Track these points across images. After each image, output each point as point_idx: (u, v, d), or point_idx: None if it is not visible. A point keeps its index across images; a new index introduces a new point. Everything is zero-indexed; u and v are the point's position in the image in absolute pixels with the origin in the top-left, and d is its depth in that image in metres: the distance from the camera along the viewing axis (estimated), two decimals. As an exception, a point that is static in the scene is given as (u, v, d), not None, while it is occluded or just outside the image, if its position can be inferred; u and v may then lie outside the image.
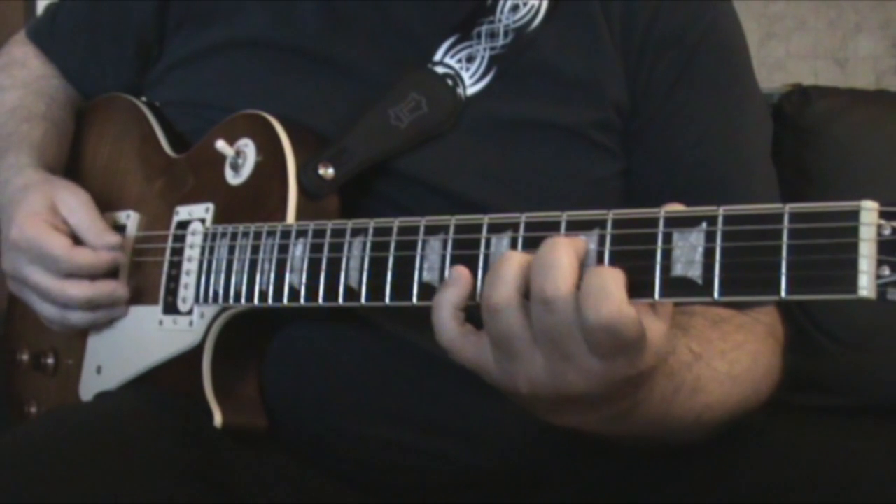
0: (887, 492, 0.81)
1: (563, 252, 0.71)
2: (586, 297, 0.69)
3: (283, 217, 0.95)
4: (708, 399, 0.86)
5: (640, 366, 0.72)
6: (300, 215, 0.95)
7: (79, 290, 1.03)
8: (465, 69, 1.01)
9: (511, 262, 0.73)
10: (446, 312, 0.76)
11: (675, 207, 0.72)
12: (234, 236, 0.96)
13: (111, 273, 1.05)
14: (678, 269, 0.70)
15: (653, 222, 0.71)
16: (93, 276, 1.03)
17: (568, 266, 0.71)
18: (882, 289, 0.62)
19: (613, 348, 0.70)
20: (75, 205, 1.05)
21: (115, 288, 1.04)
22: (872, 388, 1.58)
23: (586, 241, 0.73)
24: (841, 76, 3.36)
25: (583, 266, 0.72)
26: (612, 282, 0.69)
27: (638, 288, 0.71)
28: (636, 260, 0.71)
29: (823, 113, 1.62)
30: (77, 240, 1.04)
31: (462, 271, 0.77)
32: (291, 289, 0.90)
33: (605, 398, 0.75)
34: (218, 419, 0.97)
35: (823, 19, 3.41)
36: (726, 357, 0.90)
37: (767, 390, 0.94)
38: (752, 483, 0.86)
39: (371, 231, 0.86)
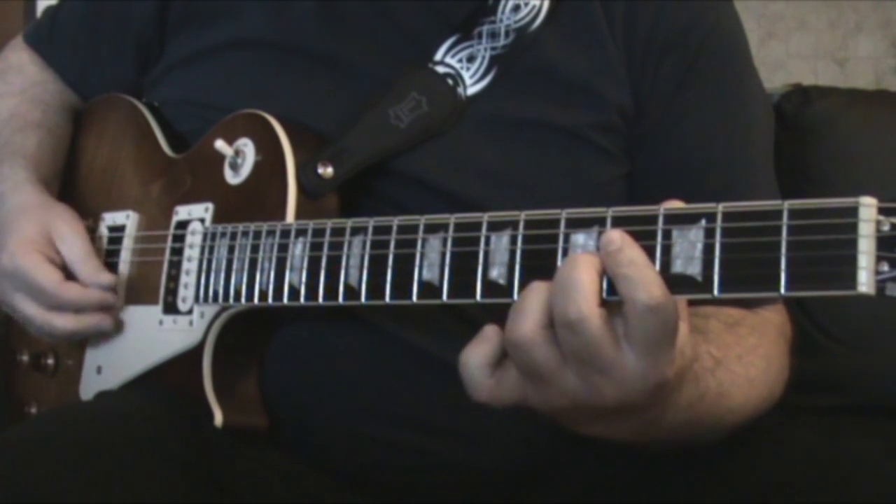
0: (887, 492, 0.81)
1: (582, 270, 0.70)
2: (636, 283, 0.69)
3: (282, 216, 0.95)
4: (730, 403, 0.86)
5: (671, 367, 0.72)
6: (299, 215, 0.95)
7: (63, 322, 1.03)
8: (466, 69, 1.01)
9: (532, 294, 0.73)
10: (478, 372, 0.76)
11: (675, 204, 0.72)
12: (233, 236, 0.97)
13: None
14: (678, 266, 0.70)
15: (652, 219, 0.71)
16: (80, 309, 1.03)
17: (588, 284, 0.70)
18: (881, 285, 0.62)
19: (658, 336, 0.70)
20: (71, 237, 1.05)
21: (99, 321, 1.04)
22: (872, 388, 1.58)
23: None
24: (841, 76, 3.36)
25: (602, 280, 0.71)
26: (650, 267, 0.70)
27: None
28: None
29: (823, 113, 1.62)
30: (68, 272, 1.04)
31: (493, 330, 0.76)
32: (291, 288, 0.91)
33: (638, 406, 0.74)
34: (218, 418, 0.97)
35: (823, 19, 3.41)
36: (743, 360, 0.90)
37: (779, 391, 0.94)
38: (752, 483, 0.86)
39: (371, 230, 0.86)
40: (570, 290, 0.70)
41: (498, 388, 0.76)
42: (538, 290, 0.73)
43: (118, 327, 1.06)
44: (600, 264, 0.71)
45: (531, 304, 0.72)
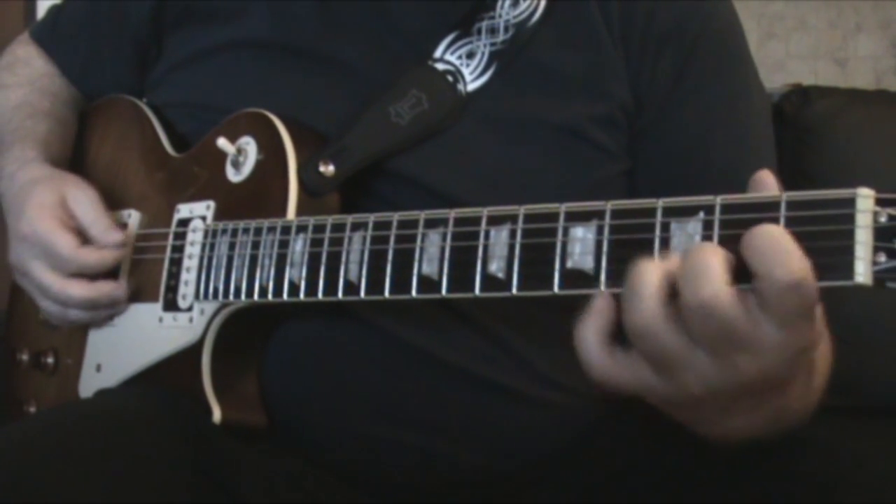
0: (887, 492, 0.81)
1: (713, 255, 0.68)
2: (772, 257, 0.65)
3: (283, 215, 0.95)
4: (821, 380, 0.84)
5: (813, 334, 0.69)
6: (301, 213, 0.95)
7: (79, 290, 1.03)
8: (466, 65, 1.01)
9: (647, 276, 0.69)
10: (592, 349, 0.72)
11: None
12: (234, 233, 0.97)
13: (112, 272, 1.06)
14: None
15: (651, 212, 0.71)
16: (94, 275, 1.04)
17: (719, 267, 0.67)
18: (878, 275, 0.62)
19: (800, 309, 0.66)
20: (83, 199, 1.06)
21: (114, 288, 1.04)
22: (873, 388, 1.58)
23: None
24: (841, 76, 3.37)
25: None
26: (789, 241, 0.66)
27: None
28: (634, 249, 0.71)
29: (823, 113, 1.63)
30: (82, 236, 1.05)
31: (605, 302, 0.72)
32: (291, 284, 0.91)
33: (777, 383, 0.71)
34: (217, 415, 0.97)
35: (823, 19, 3.41)
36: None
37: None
38: (753, 482, 0.86)
39: (371, 225, 0.87)
40: (700, 273, 0.67)
41: (615, 368, 0.72)
42: (650, 270, 0.69)
43: (118, 325, 1.06)
44: (727, 259, 0.68)
45: (648, 286, 0.69)
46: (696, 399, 0.72)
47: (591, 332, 0.72)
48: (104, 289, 1.04)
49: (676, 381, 0.71)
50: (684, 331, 0.69)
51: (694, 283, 0.67)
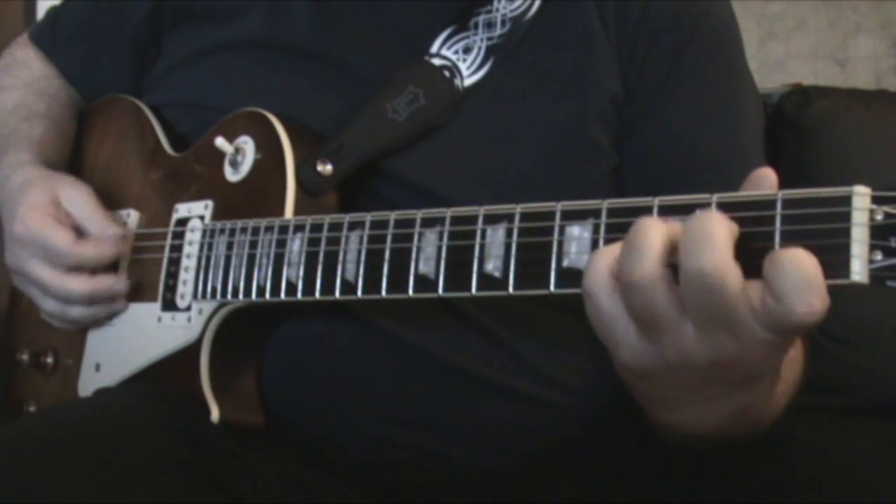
0: (887, 491, 0.81)
1: (719, 223, 0.65)
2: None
3: (281, 214, 0.95)
4: (785, 387, 0.84)
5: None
6: (299, 212, 0.95)
7: (79, 284, 1.03)
8: (463, 60, 1.01)
9: (650, 232, 0.67)
10: (604, 274, 0.69)
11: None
12: (232, 232, 0.97)
13: (111, 267, 1.06)
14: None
15: (647, 210, 0.71)
16: (94, 270, 1.04)
17: (725, 239, 0.65)
18: (874, 273, 0.62)
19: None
20: (77, 197, 1.06)
21: (114, 282, 1.04)
22: (874, 388, 1.58)
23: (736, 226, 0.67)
24: (841, 76, 3.37)
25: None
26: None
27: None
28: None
29: (823, 113, 1.63)
30: (79, 233, 1.05)
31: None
32: (289, 283, 0.91)
33: (749, 374, 0.71)
34: (215, 415, 0.97)
35: (823, 19, 3.42)
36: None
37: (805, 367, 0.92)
38: (754, 482, 0.86)
39: (368, 224, 0.87)
40: (706, 242, 0.65)
41: (614, 308, 0.69)
42: (657, 226, 0.67)
43: (117, 325, 1.06)
44: (734, 230, 0.66)
45: (652, 241, 0.66)
46: (669, 366, 0.70)
47: (604, 260, 0.70)
48: (105, 282, 1.04)
49: (656, 345, 0.69)
50: (678, 297, 0.67)
51: (696, 251, 0.65)
